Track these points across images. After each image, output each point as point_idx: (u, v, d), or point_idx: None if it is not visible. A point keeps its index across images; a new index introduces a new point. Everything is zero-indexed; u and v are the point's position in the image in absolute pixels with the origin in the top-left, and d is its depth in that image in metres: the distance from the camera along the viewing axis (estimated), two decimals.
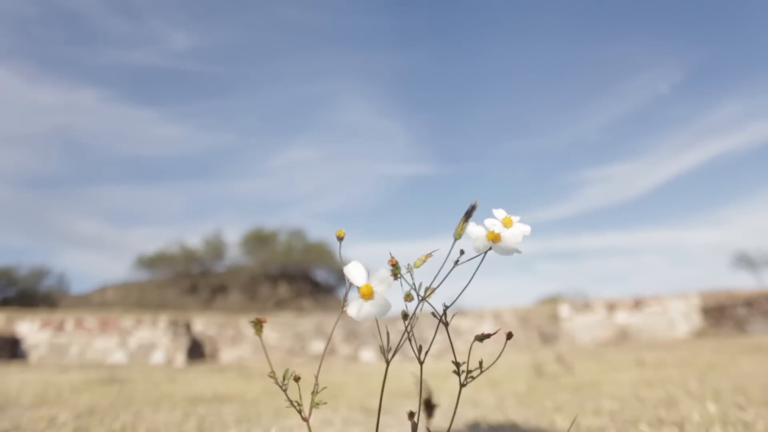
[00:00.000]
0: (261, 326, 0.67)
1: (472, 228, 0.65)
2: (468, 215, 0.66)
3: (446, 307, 0.66)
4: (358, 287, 0.59)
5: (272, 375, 0.66)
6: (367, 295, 0.59)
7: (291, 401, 0.66)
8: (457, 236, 0.65)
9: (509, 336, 0.74)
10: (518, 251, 0.63)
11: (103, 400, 2.29)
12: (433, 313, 0.67)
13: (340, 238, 0.67)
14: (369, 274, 0.61)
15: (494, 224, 0.66)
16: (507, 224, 0.66)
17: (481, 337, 0.70)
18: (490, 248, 0.63)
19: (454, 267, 0.64)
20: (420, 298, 0.65)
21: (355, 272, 0.60)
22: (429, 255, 0.65)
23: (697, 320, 10.08)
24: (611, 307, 10.24)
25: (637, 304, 10.21)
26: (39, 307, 20.11)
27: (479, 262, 0.64)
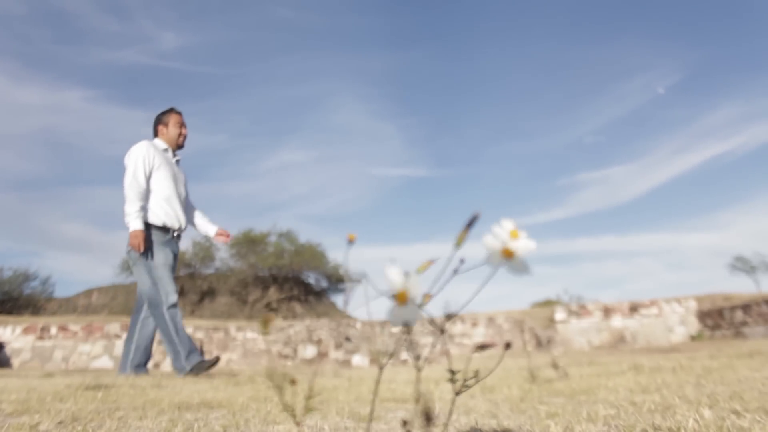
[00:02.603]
0: (268, 325, 0.66)
1: (488, 241, 0.63)
2: (469, 225, 0.65)
3: (448, 317, 0.63)
4: (395, 293, 0.58)
5: (270, 376, 0.64)
6: (404, 301, 0.58)
7: (285, 405, 0.65)
8: (459, 244, 0.64)
9: (507, 346, 0.72)
10: (529, 273, 0.62)
11: (88, 406, 2.23)
12: (430, 320, 0.65)
13: (351, 242, 0.66)
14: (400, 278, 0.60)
15: (501, 234, 0.64)
16: (514, 236, 0.64)
17: (480, 348, 0.69)
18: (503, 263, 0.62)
19: (452, 276, 0.62)
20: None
21: (395, 277, 0.59)
22: (431, 262, 0.64)
23: (693, 324, 10.15)
24: (607, 310, 10.28)
25: (634, 307, 10.27)
26: (22, 311, 19.82)
27: (488, 274, 0.63)
